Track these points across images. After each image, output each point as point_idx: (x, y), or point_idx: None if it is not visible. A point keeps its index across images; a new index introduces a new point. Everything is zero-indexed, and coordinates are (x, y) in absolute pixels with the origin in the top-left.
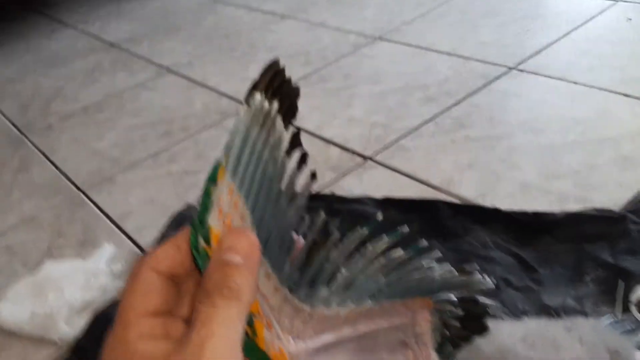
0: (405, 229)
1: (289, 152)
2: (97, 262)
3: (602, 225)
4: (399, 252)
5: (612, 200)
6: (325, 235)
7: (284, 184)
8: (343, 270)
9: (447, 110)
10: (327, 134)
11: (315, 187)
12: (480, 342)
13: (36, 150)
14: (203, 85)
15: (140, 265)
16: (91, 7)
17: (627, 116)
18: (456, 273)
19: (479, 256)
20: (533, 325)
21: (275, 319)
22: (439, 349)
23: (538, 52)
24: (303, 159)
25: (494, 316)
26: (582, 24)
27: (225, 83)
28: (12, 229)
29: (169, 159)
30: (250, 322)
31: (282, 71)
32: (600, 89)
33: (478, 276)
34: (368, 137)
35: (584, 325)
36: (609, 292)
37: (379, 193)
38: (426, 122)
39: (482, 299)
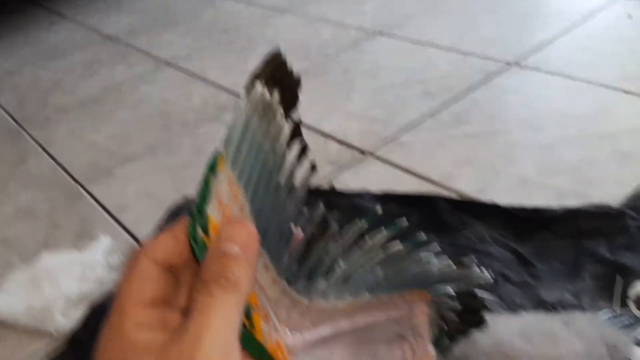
0: (404, 222)
1: (289, 143)
2: (94, 254)
3: (601, 221)
4: (397, 246)
5: (611, 196)
6: (323, 228)
7: (283, 176)
8: (341, 263)
9: (446, 106)
10: (326, 129)
11: (314, 182)
12: (477, 335)
13: (34, 143)
14: (202, 79)
15: (138, 255)
16: None
17: (626, 113)
18: (454, 266)
19: (476, 251)
20: (530, 319)
21: (272, 311)
22: (436, 342)
23: (538, 49)
24: (303, 150)
25: (491, 311)
26: (582, 21)
27: (224, 77)
28: (8, 221)
29: (167, 152)
30: (248, 314)
31: (284, 61)
32: (600, 85)
33: (476, 269)
34: (367, 132)
35: (581, 320)
36: (607, 287)
37: (377, 188)
38: (425, 117)
39: (480, 293)
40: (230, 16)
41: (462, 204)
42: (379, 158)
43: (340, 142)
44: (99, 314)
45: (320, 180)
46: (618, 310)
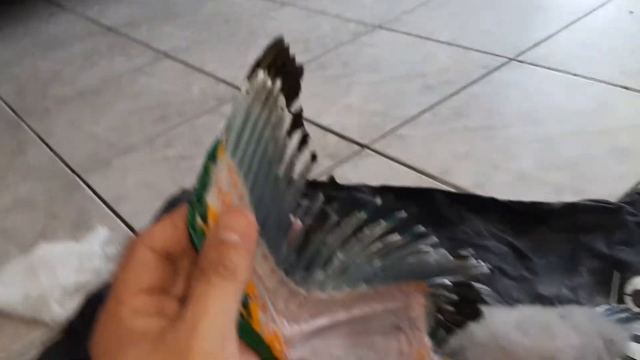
0: (402, 214)
1: (290, 132)
2: (91, 245)
3: (599, 216)
4: (395, 237)
5: (609, 191)
6: (322, 219)
7: (284, 165)
8: (339, 254)
9: (445, 100)
10: (324, 122)
11: (312, 175)
12: (473, 327)
13: (32, 133)
14: (201, 71)
15: (136, 242)
16: None
17: (625, 108)
18: (451, 258)
19: (473, 245)
20: (527, 312)
21: (270, 301)
22: (432, 334)
23: (538, 44)
24: (304, 140)
25: (488, 303)
26: (583, 16)
27: (223, 69)
28: (6, 211)
29: (166, 143)
30: (245, 304)
31: (287, 49)
32: (600, 81)
33: (473, 261)
34: (366, 125)
35: (578, 313)
36: (604, 282)
37: (375, 181)
38: (424, 111)
39: (477, 284)
40: (230, 8)
41: (460, 197)
42: (377, 151)
43: (339, 135)
44: (95, 304)
45: (318, 173)
46: (615, 306)
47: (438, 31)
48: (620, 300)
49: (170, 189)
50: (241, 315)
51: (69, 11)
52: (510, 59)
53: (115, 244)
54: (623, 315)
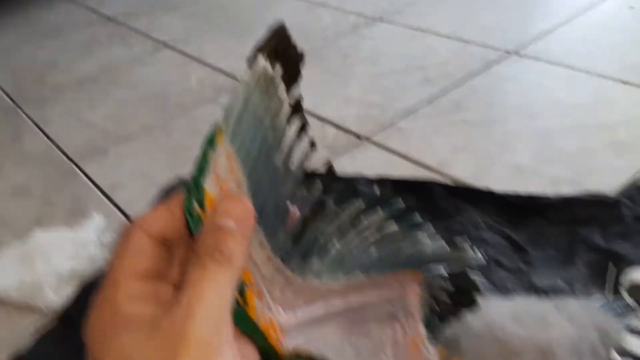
0: (399, 203)
1: (289, 119)
2: (87, 232)
3: (596, 209)
4: (392, 226)
5: (607, 185)
6: (320, 207)
7: (282, 152)
8: (336, 243)
9: (445, 93)
10: (323, 113)
11: (310, 166)
12: (468, 317)
13: (29, 121)
14: (200, 61)
15: (132, 228)
16: None
17: (624, 103)
18: (447, 247)
19: (470, 236)
20: (522, 303)
21: (266, 289)
22: (427, 323)
23: (538, 38)
24: (303, 127)
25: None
26: (583, 11)
27: (222, 60)
28: (2, 198)
29: (163, 133)
30: (241, 291)
31: (288, 35)
32: (599, 75)
33: (469, 250)
34: (364, 117)
35: (574, 305)
36: (600, 275)
37: (373, 173)
38: (423, 103)
39: (472, 274)
40: (231, 0)
41: (457, 189)
42: (375, 143)
43: (338, 126)
44: (89, 291)
45: (316, 164)
46: (610, 298)
47: (438, 24)
48: (616, 293)
49: (167, 178)
50: (237, 302)
51: (68, 0)
52: (510, 53)
53: (110, 232)
54: (618, 307)
